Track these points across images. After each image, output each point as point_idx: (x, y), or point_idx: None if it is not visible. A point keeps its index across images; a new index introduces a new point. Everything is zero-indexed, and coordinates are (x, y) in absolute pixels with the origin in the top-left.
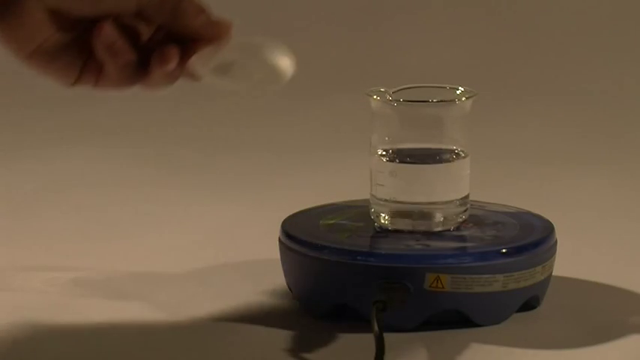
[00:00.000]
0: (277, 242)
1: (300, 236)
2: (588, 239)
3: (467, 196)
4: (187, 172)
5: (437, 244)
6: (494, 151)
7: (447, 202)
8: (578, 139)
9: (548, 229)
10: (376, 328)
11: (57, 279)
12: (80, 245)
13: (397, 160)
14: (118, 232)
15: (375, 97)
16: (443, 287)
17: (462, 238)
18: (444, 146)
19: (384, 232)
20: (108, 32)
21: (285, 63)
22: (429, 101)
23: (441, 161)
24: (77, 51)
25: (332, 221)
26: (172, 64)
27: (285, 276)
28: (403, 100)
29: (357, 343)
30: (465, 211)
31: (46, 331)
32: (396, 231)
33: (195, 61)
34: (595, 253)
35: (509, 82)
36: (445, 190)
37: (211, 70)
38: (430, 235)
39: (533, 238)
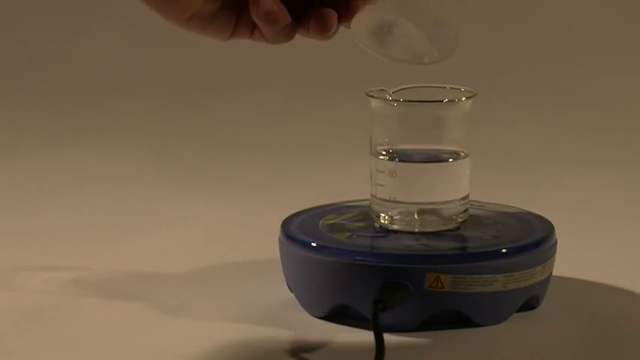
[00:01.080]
0: (277, 242)
1: (300, 236)
2: (588, 239)
3: (467, 196)
4: (187, 172)
5: (437, 244)
6: (494, 151)
7: (447, 202)
8: (578, 139)
9: (548, 229)
10: (376, 328)
11: (57, 279)
12: (80, 245)
13: (397, 160)
14: (118, 232)
15: (375, 97)
16: (443, 287)
17: (462, 238)
18: (444, 146)
19: (384, 232)
20: (266, 2)
21: (452, 35)
22: (429, 101)
23: (441, 161)
24: (231, 11)
25: (332, 221)
26: (332, 31)
27: (285, 276)
28: (403, 100)
29: (357, 343)
30: (465, 211)
31: (46, 331)
32: (396, 231)
33: (356, 24)
34: (595, 253)
35: (509, 82)
36: (445, 190)
37: (371, 34)
38: (430, 235)
39: (533, 238)
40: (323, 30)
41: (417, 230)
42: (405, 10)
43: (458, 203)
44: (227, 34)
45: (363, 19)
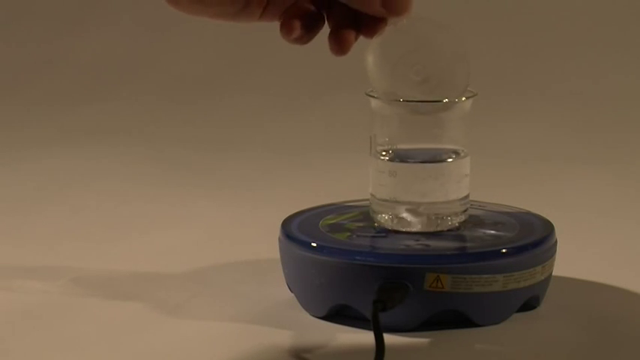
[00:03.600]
0: (277, 242)
1: (300, 236)
2: (588, 239)
3: (467, 196)
4: (187, 172)
5: (437, 244)
6: (494, 151)
7: (447, 202)
8: (578, 139)
9: (548, 229)
10: (376, 328)
11: (57, 279)
12: (80, 245)
13: (397, 160)
14: (118, 232)
15: (375, 97)
16: (443, 287)
17: (462, 238)
18: (444, 146)
19: (384, 232)
20: (297, 33)
21: (462, 80)
22: (429, 101)
23: (441, 161)
24: (255, 6)
25: (332, 221)
26: (349, 50)
27: (285, 276)
28: (403, 100)
29: (357, 343)
30: (465, 211)
31: (46, 331)
32: (396, 231)
33: (375, 44)
34: (595, 253)
35: (509, 82)
36: (445, 190)
37: (384, 78)
38: (430, 235)
39: (533, 238)
40: (339, 52)
41: (417, 230)
42: (421, 42)
43: (458, 203)
44: (255, 20)
45: (376, 53)
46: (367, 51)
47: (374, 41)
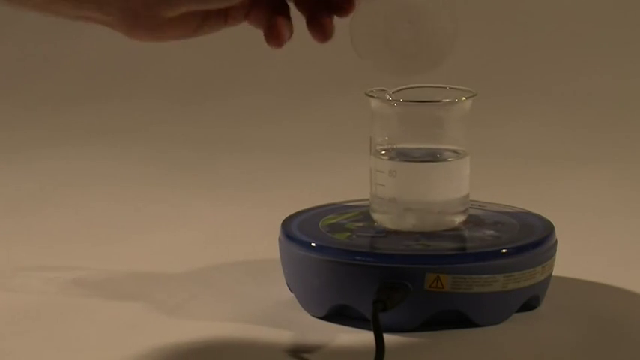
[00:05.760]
0: (277, 242)
1: (300, 236)
2: (588, 239)
3: (467, 196)
4: (188, 172)
5: (437, 244)
6: (495, 151)
7: (446, 202)
8: (578, 139)
9: (548, 229)
10: (376, 328)
11: (57, 279)
12: (80, 245)
13: (397, 160)
14: (118, 232)
15: (375, 97)
16: (443, 287)
17: (462, 238)
18: (444, 146)
19: (384, 232)
20: (285, 37)
21: (447, 41)
22: (428, 101)
23: (440, 161)
24: (213, 21)
25: (332, 221)
26: (331, 35)
27: (285, 276)
28: (403, 100)
29: (357, 343)
30: (465, 211)
31: (46, 331)
32: (396, 231)
33: (354, 27)
34: (595, 253)
35: (509, 82)
36: (445, 190)
37: (366, 42)
38: (430, 235)
39: (533, 238)
40: (322, 40)
41: (416, 230)
42: (400, 11)
43: (458, 203)
44: (221, 28)
45: (359, 24)
46: (351, 31)
47: (353, 19)
